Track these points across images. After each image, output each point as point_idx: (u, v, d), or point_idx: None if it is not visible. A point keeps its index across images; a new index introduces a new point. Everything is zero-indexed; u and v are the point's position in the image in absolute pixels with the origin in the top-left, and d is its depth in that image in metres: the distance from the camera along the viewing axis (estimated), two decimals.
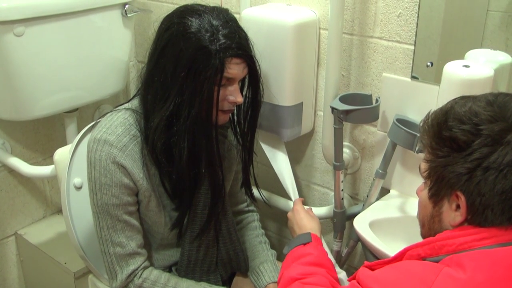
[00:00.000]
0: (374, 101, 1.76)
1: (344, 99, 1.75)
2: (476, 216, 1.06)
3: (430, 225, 1.18)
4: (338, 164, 1.84)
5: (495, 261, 1.02)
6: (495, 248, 1.04)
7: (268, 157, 1.99)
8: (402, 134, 1.65)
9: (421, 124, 1.18)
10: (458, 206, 1.09)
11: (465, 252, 1.05)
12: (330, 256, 1.60)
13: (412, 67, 1.71)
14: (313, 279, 1.37)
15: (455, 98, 1.14)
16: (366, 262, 1.26)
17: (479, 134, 1.04)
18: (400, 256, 1.18)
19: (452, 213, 1.11)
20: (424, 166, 1.16)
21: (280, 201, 2.12)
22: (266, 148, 2.00)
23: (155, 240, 1.70)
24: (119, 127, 1.51)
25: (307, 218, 1.66)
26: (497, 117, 1.04)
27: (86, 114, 2.51)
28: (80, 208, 1.76)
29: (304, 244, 1.53)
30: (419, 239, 1.21)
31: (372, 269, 1.21)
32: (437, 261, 1.08)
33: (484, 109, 1.06)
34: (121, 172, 1.49)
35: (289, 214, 1.72)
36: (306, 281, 1.36)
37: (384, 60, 1.78)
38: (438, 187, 1.12)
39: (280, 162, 1.97)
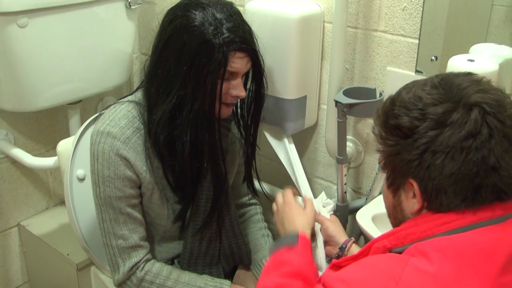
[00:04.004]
0: (378, 95, 1.75)
1: (348, 92, 1.75)
2: (432, 202, 1.06)
3: (394, 215, 1.18)
4: (341, 157, 1.84)
5: (460, 250, 1.01)
6: (458, 234, 1.02)
7: (276, 151, 1.99)
8: None
9: (374, 114, 1.17)
10: (415, 194, 1.08)
11: (428, 239, 1.04)
12: (322, 254, 1.59)
13: (417, 61, 1.70)
14: None
15: (406, 84, 1.14)
16: (334, 260, 1.25)
17: (423, 118, 1.03)
18: (366, 250, 1.17)
19: (410, 201, 1.10)
20: (380, 156, 1.16)
21: None
22: (273, 142, 2.00)
23: (157, 233, 1.70)
24: (123, 119, 1.51)
25: (298, 210, 1.59)
26: (442, 99, 1.03)
27: (89, 106, 2.51)
28: (83, 200, 1.76)
29: (289, 248, 1.44)
30: None
31: (341, 266, 1.19)
32: (402, 251, 1.07)
33: (428, 92, 1.06)
34: (124, 164, 1.49)
35: (277, 206, 1.65)
36: None
37: (389, 54, 1.77)
38: (394, 176, 1.12)
39: (288, 156, 1.97)
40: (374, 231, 1.63)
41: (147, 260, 1.60)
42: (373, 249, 1.15)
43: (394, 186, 1.14)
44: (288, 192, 1.67)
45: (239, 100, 1.59)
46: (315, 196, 1.82)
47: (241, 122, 1.68)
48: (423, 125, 1.03)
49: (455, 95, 1.03)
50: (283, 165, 1.97)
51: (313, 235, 1.60)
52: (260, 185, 1.86)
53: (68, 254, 2.23)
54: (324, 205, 1.73)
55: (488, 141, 1.00)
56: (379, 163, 1.17)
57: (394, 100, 1.11)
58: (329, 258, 1.61)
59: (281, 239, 1.52)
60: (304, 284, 1.35)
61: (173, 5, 1.50)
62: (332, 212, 1.71)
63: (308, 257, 1.44)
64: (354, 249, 1.54)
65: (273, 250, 1.46)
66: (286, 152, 1.97)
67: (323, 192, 1.77)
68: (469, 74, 1.10)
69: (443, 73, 1.13)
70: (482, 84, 1.06)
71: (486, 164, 1.00)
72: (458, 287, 0.98)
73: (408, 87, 1.11)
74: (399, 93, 1.12)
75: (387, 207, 1.22)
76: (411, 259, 1.02)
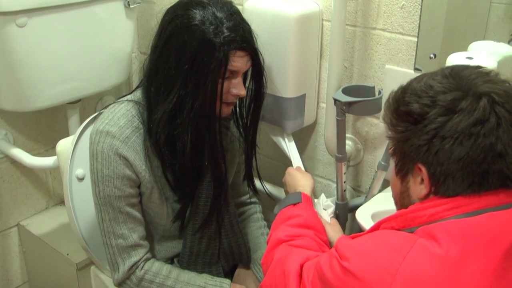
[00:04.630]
0: (377, 93, 1.75)
1: (347, 90, 1.75)
2: (439, 187, 1.08)
3: (401, 202, 1.20)
4: (340, 156, 1.84)
5: (466, 232, 1.03)
6: (465, 218, 1.05)
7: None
8: None
9: (385, 103, 1.21)
10: (422, 180, 1.11)
11: (436, 222, 1.07)
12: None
13: (415, 59, 1.70)
14: (301, 241, 1.40)
15: (417, 76, 1.17)
16: (343, 236, 1.29)
17: (434, 105, 1.06)
18: (374, 230, 1.20)
19: (418, 186, 1.13)
20: (389, 143, 1.19)
21: (282, 193, 2.12)
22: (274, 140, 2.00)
23: (157, 232, 1.70)
24: (122, 118, 1.51)
25: (299, 176, 1.71)
26: (451, 87, 1.06)
27: (89, 105, 2.51)
28: (82, 199, 1.76)
29: (294, 204, 1.56)
30: None
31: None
32: (410, 232, 1.10)
33: (439, 82, 1.09)
34: (124, 163, 1.49)
35: (283, 179, 1.76)
36: (293, 243, 1.39)
37: (387, 52, 1.77)
38: (403, 162, 1.15)
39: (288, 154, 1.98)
40: None
41: (147, 259, 1.60)
42: (381, 229, 1.18)
43: (403, 172, 1.16)
44: (290, 167, 1.80)
45: (238, 99, 1.60)
46: (315, 196, 1.82)
47: (240, 122, 1.68)
48: (433, 112, 1.06)
49: (464, 85, 1.06)
50: (282, 164, 1.97)
51: None
52: (262, 184, 1.86)
53: (67, 254, 2.23)
54: (325, 208, 1.72)
55: (496, 129, 1.03)
56: (388, 150, 1.21)
57: (405, 89, 1.14)
58: None
59: (285, 200, 1.63)
60: (315, 232, 1.44)
61: (172, 4, 1.50)
62: (332, 215, 1.70)
63: (313, 212, 1.54)
64: None
65: (278, 210, 1.57)
66: (286, 150, 1.97)
67: (322, 194, 1.76)
68: (478, 67, 1.13)
69: (454, 65, 1.16)
70: (490, 76, 1.09)
71: (493, 150, 1.03)
72: (462, 266, 1.01)
73: (418, 78, 1.14)
74: (409, 83, 1.15)
75: (394, 195, 1.25)
76: (420, 239, 1.05)
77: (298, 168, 1.80)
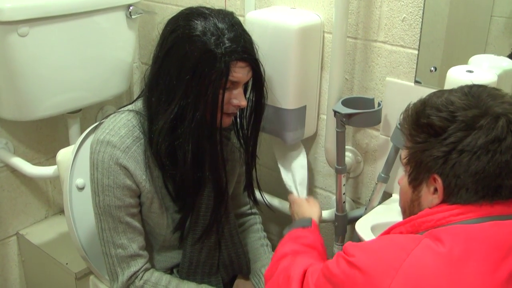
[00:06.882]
0: (376, 105, 1.76)
1: (346, 102, 1.75)
2: (452, 197, 1.13)
3: (410, 210, 1.24)
4: (340, 167, 1.84)
5: (471, 236, 1.08)
6: (471, 224, 1.09)
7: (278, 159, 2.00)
8: None
9: (401, 115, 1.25)
10: (435, 190, 1.15)
11: (443, 227, 1.11)
12: None
13: (416, 72, 1.71)
14: (305, 255, 1.46)
15: (434, 91, 1.21)
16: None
17: (454, 120, 1.11)
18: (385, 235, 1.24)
19: (430, 196, 1.17)
20: (404, 153, 1.23)
21: (282, 204, 2.12)
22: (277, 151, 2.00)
23: (157, 242, 1.70)
24: (122, 128, 1.51)
25: (306, 205, 1.79)
26: (471, 105, 1.11)
27: (89, 114, 2.51)
28: (82, 209, 1.76)
29: (304, 227, 1.62)
30: None
31: None
32: None
33: (459, 98, 1.13)
34: (124, 173, 1.49)
35: (290, 209, 1.85)
36: (298, 256, 1.44)
37: (388, 64, 1.78)
38: (417, 172, 1.19)
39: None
40: None
41: (146, 270, 1.60)
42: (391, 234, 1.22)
43: (417, 181, 1.20)
44: (292, 195, 1.91)
45: (239, 109, 1.60)
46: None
47: (241, 132, 1.68)
48: (453, 126, 1.10)
49: (483, 104, 1.11)
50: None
51: None
52: (261, 195, 1.86)
53: (67, 263, 2.23)
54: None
55: None
56: (402, 159, 1.24)
57: (425, 102, 1.18)
58: None
59: (296, 222, 1.70)
60: (319, 253, 1.49)
61: (173, 15, 1.51)
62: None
63: (320, 237, 1.59)
64: None
65: (287, 231, 1.62)
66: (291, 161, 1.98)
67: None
68: (495, 89, 1.18)
69: (472, 84, 1.20)
70: (505, 99, 1.14)
71: (508, 167, 1.08)
72: (463, 265, 1.05)
73: (438, 93, 1.18)
74: (429, 97, 1.19)
75: (403, 204, 1.29)
76: (425, 239, 1.09)
77: (309, 199, 1.85)
